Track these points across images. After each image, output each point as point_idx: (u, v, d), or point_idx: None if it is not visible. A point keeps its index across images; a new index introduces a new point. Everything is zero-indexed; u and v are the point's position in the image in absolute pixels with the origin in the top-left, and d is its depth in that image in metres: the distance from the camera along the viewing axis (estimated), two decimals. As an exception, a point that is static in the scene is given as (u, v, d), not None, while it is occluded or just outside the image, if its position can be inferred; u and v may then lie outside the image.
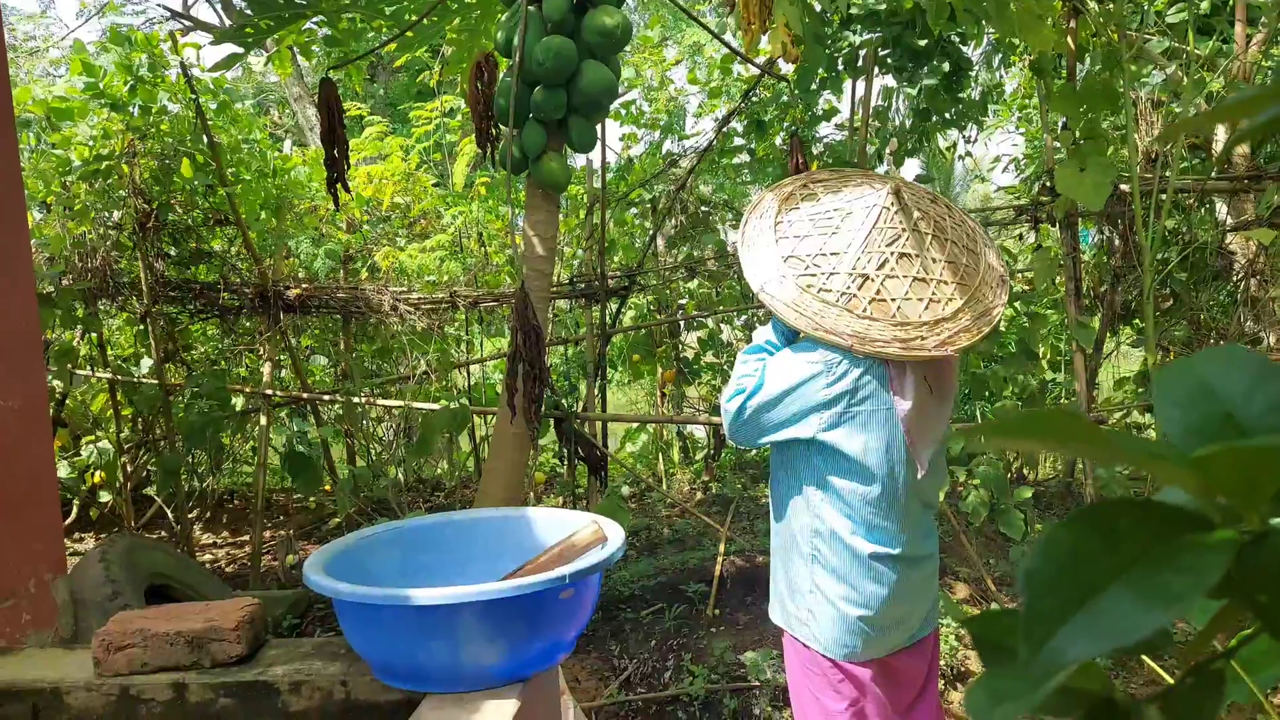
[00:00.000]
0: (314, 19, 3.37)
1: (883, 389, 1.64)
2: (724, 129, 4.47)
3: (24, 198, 2.41)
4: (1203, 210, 4.26)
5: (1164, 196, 3.08)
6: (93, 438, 4.78)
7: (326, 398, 4.50)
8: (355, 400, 4.15)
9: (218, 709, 1.48)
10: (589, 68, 2.67)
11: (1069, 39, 3.43)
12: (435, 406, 3.70)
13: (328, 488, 4.89)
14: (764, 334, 1.83)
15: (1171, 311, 4.38)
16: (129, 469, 4.87)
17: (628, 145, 5.31)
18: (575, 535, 1.53)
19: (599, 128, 3.94)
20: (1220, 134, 4.02)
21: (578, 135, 2.79)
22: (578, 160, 5.54)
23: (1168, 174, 3.28)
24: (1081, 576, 0.30)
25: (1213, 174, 4.02)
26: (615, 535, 1.53)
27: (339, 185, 3.25)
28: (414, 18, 3.40)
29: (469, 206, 4.55)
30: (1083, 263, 4.02)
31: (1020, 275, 4.55)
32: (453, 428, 3.35)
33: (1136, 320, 4.48)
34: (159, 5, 3.90)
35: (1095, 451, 0.32)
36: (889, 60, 3.74)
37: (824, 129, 6.95)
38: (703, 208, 5.28)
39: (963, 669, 3.13)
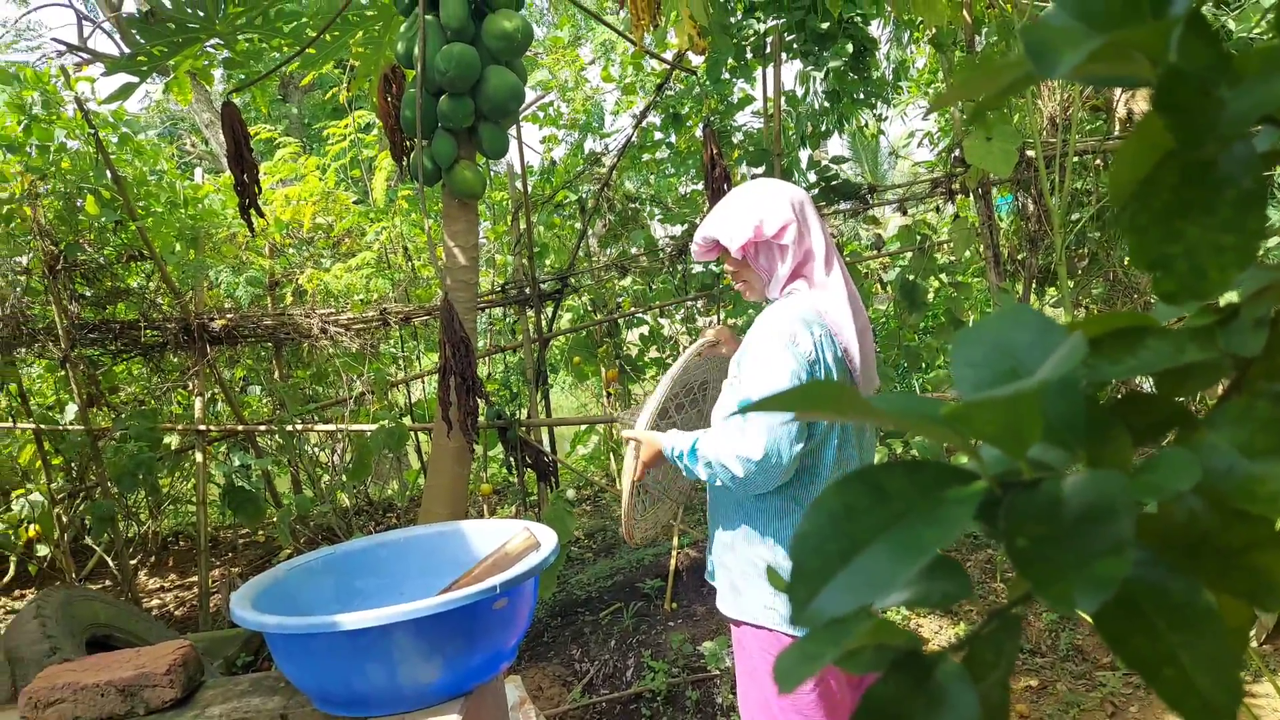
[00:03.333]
0: (210, 42, 3.30)
1: (842, 363, 1.69)
2: (641, 124, 4.48)
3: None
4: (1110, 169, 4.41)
5: (1070, 159, 3.18)
6: (23, 491, 4.62)
7: (262, 428, 4.41)
8: (290, 428, 4.07)
9: (156, 756, 1.45)
10: (493, 73, 2.66)
11: (964, 12, 3.52)
12: (373, 427, 3.66)
13: (275, 520, 4.80)
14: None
15: (1089, 270, 4.53)
16: (65, 520, 4.72)
17: (549, 147, 5.30)
18: (508, 544, 1.53)
19: (513, 131, 3.93)
20: (1119, 95, 4.17)
21: (489, 142, 2.77)
22: (501, 166, 5.51)
23: (1068, 138, 3.39)
24: (847, 535, 0.31)
25: (1115, 133, 4.16)
26: (548, 540, 1.54)
27: (252, 210, 3.20)
28: (314, 34, 3.34)
29: (392, 221, 4.50)
30: (1000, 230, 4.13)
31: (943, 247, 4.66)
32: (391, 446, 3.32)
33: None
34: (53, 40, 3.78)
35: (862, 415, 0.33)
36: (794, 45, 3.79)
37: (742, 117, 6.99)
38: (631, 204, 5.30)
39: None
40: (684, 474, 1.74)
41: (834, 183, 4.02)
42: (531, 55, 5.62)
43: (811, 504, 0.33)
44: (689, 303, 5.14)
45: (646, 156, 4.91)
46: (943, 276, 4.70)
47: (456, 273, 2.79)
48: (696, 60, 4.32)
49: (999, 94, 0.35)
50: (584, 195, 4.97)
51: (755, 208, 1.72)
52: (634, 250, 4.78)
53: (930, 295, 4.82)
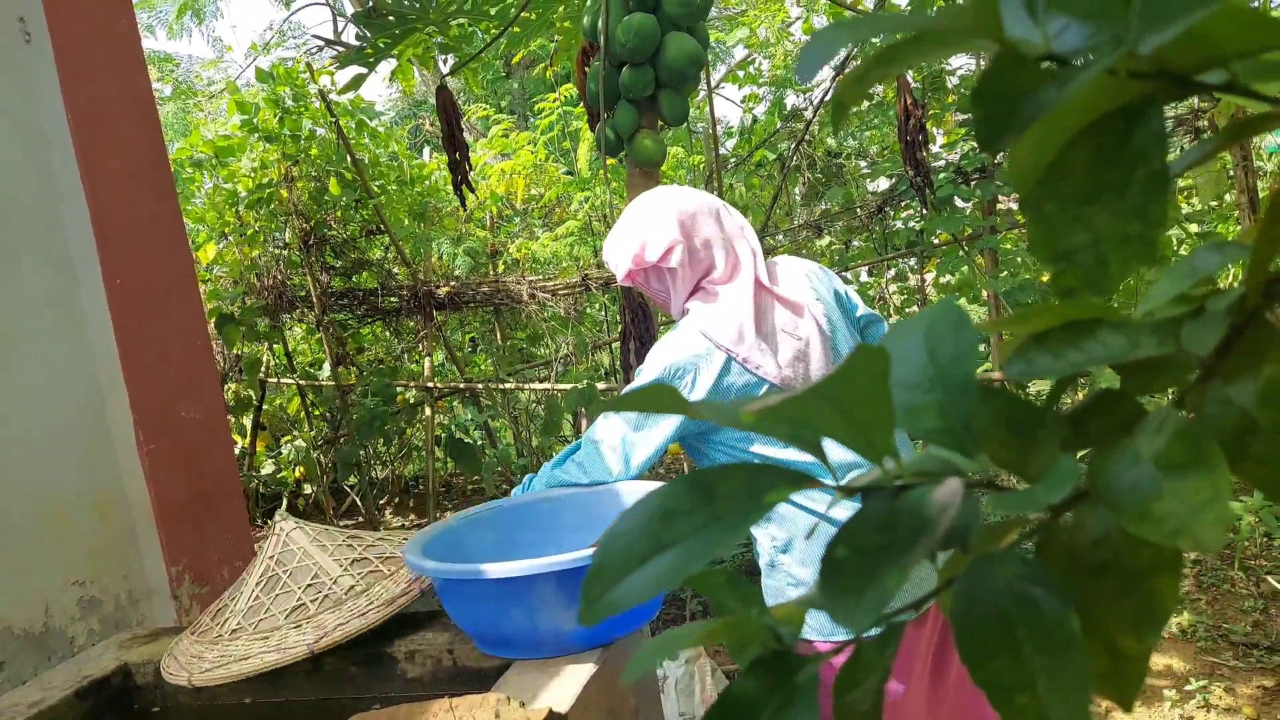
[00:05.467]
0: (425, 30, 3.56)
1: (748, 375, 1.57)
2: (842, 74, 4.31)
3: (186, 234, 2.73)
4: None
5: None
6: (290, 437, 5.34)
7: (480, 386, 4.79)
8: (497, 387, 4.39)
9: (350, 675, 1.66)
10: (672, 40, 2.68)
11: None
12: (570, 386, 3.87)
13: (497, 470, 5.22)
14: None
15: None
16: (324, 464, 5.40)
17: (749, 106, 5.24)
18: (652, 505, 1.59)
19: (701, 93, 3.92)
20: None
21: (669, 109, 2.80)
22: (699, 128, 5.52)
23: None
24: (654, 537, 0.31)
25: None
26: (691, 503, 1.57)
27: (464, 186, 3.47)
28: (517, 14, 3.51)
29: (594, 191, 4.67)
30: (1256, 172, 3.58)
31: (1188, 193, 4.12)
32: (583, 406, 3.50)
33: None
34: (313, 36, 4.25)
35: (692, 413, 0.33)
36: (1009, -21, 3.47)
37: (959, 60, 6.50)
38: (834, 159, 5.13)
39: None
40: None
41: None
42: (733, 15, 5.56)
43: (635, 503, 0.33)
44: (899, 260, 4.92)
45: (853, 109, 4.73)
46: (1190, 227, 4.17)
47: (639, 239, 2.86)
48: (902, 3, 4.08)
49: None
50: (784, 153, 4.88)
51: (637, 231, 1.59)
52: (834, 208, 4.65)
53: (1176, 249, 4.29)
